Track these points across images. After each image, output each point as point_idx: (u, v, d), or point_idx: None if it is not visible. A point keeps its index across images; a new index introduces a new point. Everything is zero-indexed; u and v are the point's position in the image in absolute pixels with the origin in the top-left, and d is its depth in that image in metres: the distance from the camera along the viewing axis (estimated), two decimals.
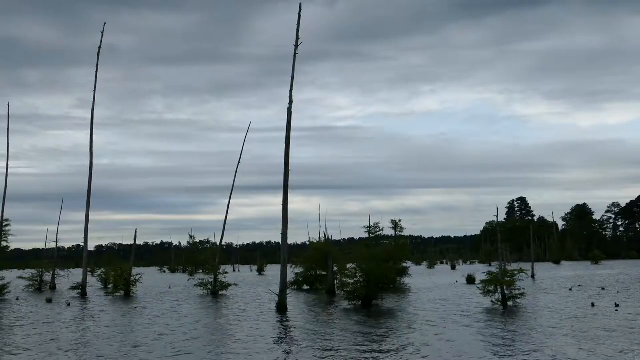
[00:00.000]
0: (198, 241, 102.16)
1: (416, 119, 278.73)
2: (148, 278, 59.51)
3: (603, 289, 35.29)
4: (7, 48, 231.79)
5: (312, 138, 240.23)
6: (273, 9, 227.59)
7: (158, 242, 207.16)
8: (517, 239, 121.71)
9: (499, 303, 25.18)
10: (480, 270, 46.46)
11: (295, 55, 26.16)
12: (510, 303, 25.31)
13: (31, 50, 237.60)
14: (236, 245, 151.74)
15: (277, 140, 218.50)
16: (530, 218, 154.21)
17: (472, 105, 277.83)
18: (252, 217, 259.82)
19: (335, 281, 34.87)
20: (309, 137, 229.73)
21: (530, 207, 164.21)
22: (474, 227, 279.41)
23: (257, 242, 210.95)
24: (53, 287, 45.36)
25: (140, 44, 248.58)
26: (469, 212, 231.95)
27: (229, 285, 38.92)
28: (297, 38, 26.16)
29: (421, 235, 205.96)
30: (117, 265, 42.65)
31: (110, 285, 42.69)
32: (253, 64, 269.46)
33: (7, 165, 39.65)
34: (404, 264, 47.28)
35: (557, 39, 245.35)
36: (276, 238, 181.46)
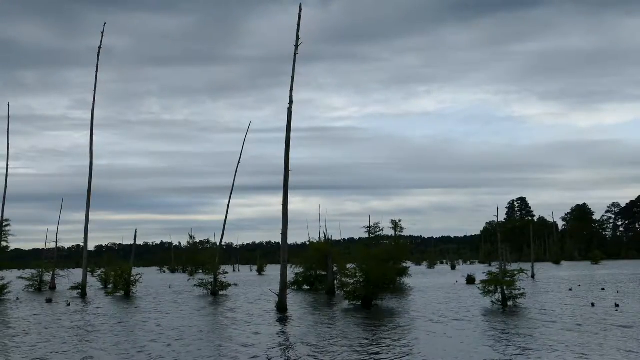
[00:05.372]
0: (198, 241, 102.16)
1: (413, 120, 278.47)
2: (148, 278, 59.55)
3: (603, 289, 35.31)
4: (5, 49, 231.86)
5: (310, 138, 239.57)
6: (268, 11, 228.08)
7: (158, 242, 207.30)
8: (517, 239, 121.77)
9: (499, 303, 25.18)
10: (480, 270, 46.46)
11: (295, 55, 26.12)
12: (510, 303, 25.32)
13: (28, 51, 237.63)
14: (236, 245, 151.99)
15: (273, 141, 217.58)
16: (530, 218, 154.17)
17: (469, 105, 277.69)
18: (252, 217, 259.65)
19: (335, 281, 34.88)
20: (306, 138, 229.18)
21: (530, 207, 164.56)
22: (474, 227, 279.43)
23: (257, 242, 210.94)
24: (53, 287, 45.37)
25: (136, 45, 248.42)
26: (469, 212, 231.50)
27: (229, 285, 38.94)
28: (297, 38, 26.10)
29: (421, 235, 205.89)
30: (117, 265, 42.67)
31: (110, 285, 42.76)
32: (248, 65, 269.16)
33: (7, 165, 39.91)
34: (404, 264, 47.31)
35: (552, 40, 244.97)
36: (276, 238, 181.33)
